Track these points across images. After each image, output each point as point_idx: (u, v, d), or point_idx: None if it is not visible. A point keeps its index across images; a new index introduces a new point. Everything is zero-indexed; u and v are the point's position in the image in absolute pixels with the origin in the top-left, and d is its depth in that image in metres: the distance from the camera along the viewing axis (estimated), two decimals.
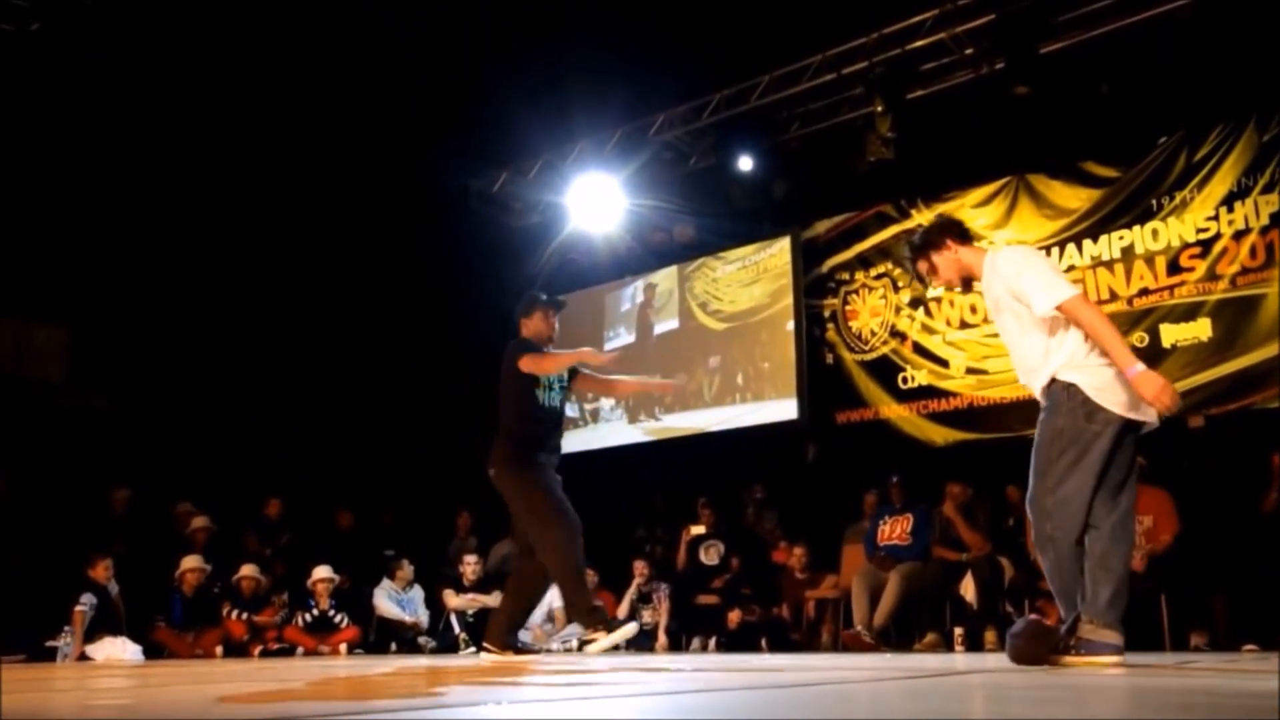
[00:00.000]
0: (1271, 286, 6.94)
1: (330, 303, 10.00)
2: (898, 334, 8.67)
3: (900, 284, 8.73)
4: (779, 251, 9.39)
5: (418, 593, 8.33)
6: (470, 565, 8.29)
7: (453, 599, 8.16)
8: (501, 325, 10.35)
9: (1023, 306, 3.45)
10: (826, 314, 9.14)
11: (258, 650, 7.52)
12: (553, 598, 8.07)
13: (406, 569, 8.32)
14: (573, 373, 5.05)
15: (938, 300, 8.48)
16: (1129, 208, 7.62)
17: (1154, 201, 7.52)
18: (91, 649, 6.87)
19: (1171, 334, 7.29)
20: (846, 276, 9.09)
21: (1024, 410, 7.49)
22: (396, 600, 8.22)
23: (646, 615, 8.29)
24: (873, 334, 8.82)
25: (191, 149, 8.90)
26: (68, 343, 8.79)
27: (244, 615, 7.68)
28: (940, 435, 8.27)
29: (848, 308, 9.03)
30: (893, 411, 8.57)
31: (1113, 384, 3.32)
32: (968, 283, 3.76)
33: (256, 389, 9.67)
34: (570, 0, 7.74)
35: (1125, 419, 3.33)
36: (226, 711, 2.17)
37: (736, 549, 8.30)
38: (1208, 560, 6.09)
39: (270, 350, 9.72)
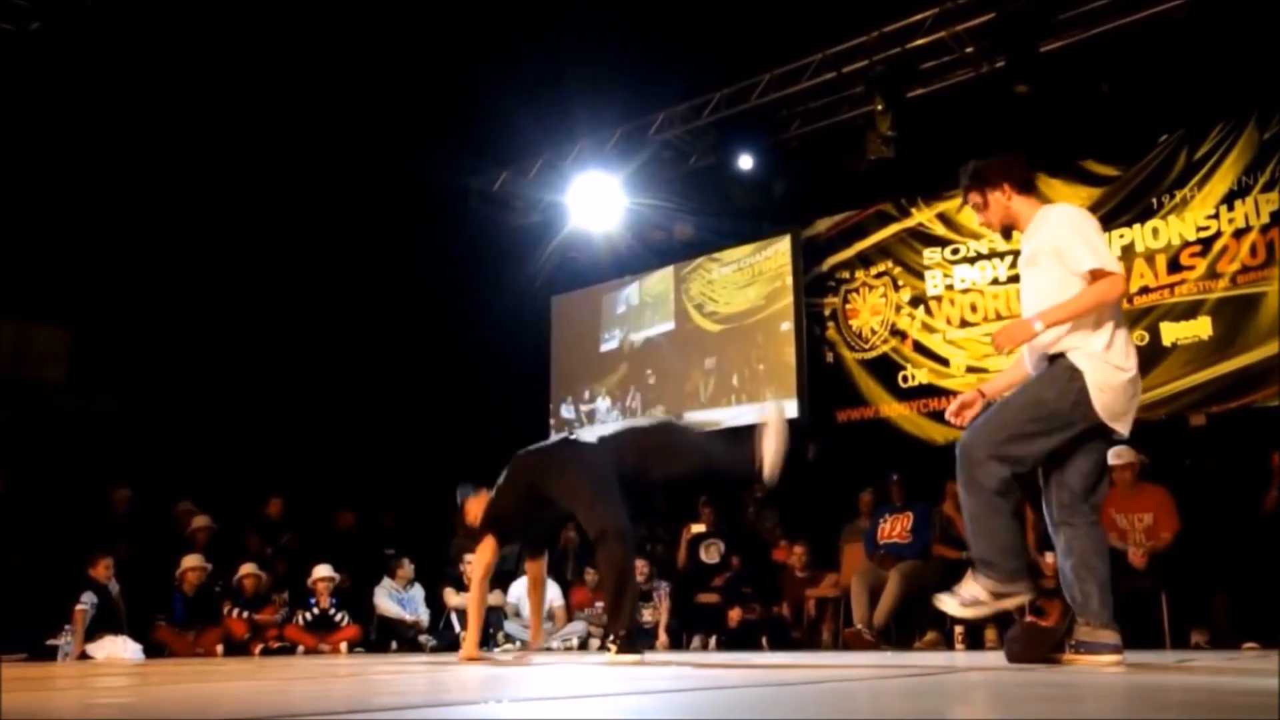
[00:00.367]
0: (1272, 285, 6.94)
1: (331, 303, 10.00)
2: (898, 332, 8.67)
3: (900, 282, 8.73)
4: (774, 254, 9.40)
5: (418, 591, 8.34)
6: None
7: (453, 597, 8.16)
8: (502, 325, 10.43)
9: (1060, 267, 3.33)
10: (827, 312, 9.14)
11: (258, 649, 7.53)
12: (554, 596, 8.10)
13: (407, 568, 8.32)
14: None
15: (938, 299, 8.48)
16: (1129, 206, 7.62)
17: (1154, 200, 7.52)
18: (92, 648, 6.87)
19: (1172, 332, 7.29)
20: (847, 275, 9.09)
21: None
22: (397, 599, 8.22)
23: (647, 614, 8.29)
24: (873, 332, 8.82)
25: (193, 149, 8.90)
26: (69, 344, 8.79)
27: (245, 614, 7.69)
28: (940, 434, 8.26)
29: (848, 306, 9.04)
30: (893, 410, 8.58)
31: (1115, 389, 3.27)
32: (1008, 230, 3.64)
33: (257, 389, 9.67)
34: (570, 1, 7.73)
35: (1102, 424, 3.28)
36: (227, 710, 2.17)
37: (737, 548, 8.31)
38: (1208, 558, 6.08)
39: (271, 350, 9.72)
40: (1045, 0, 7.24)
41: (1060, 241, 3.34)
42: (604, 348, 10.52)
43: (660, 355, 10.10)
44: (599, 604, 8.51)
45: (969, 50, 7.71)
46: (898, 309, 8.72)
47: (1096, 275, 3.25)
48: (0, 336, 8.47)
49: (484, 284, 10.26)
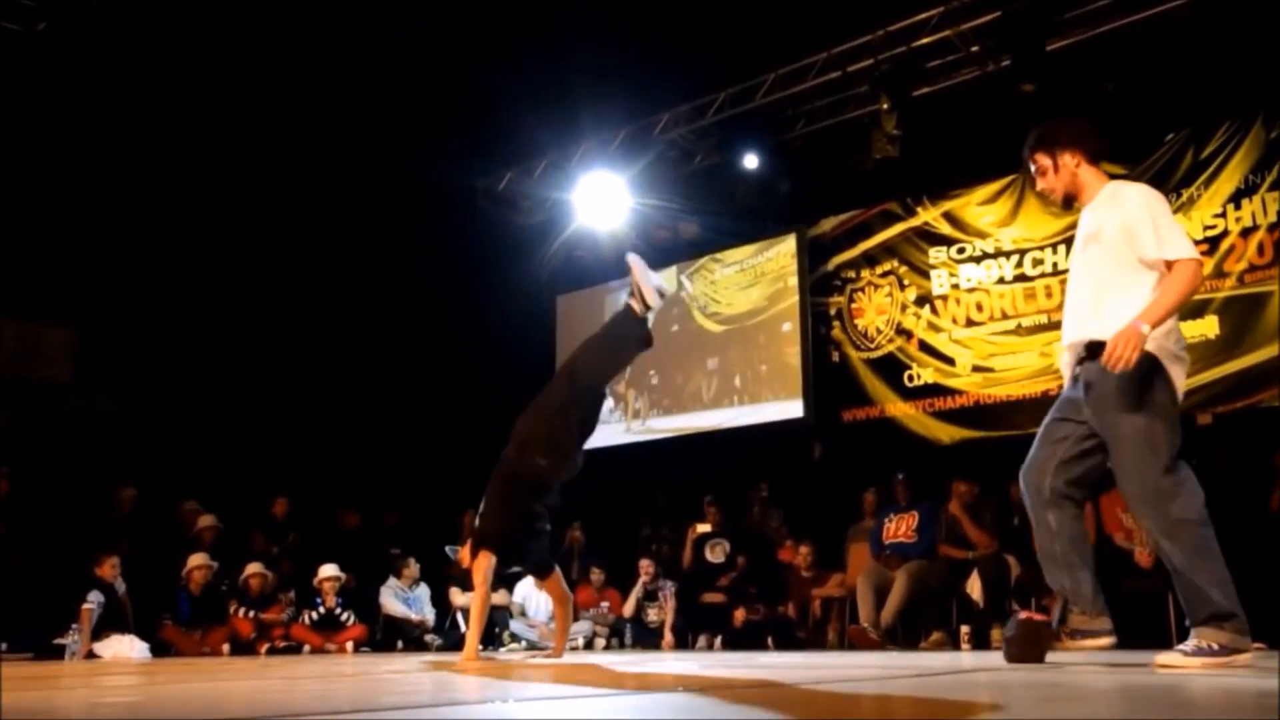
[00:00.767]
0: (1278, 284, 6.91)
1: (336, 303, 10.01)
2: (904, 332, 8.66)
3: (906, 282, 8.72)
4: (776, 255, 9.40)
5: (424, 591, 8.35)
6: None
7: (459, 597, 8.17)
8: (507, 324, 10.43)
9: (1125, 250, 3.19)
10: (832, 312, 9.14)
11: (264, 648, 7.54)
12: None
13: (413, 567, 8.33)
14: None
15: (943, 298, 8.47)
16: None
17: None
18: (99, 647, 6.89)
19: None
20: (852, 274, 9.08)
21: (1030, 408, 7.48)
22: (403, 598, 8.24)
23: (653, 613, 8.31)
24: (878, 332, 8.81)
25: (199, 151, 8.91)
26: (75, 344, 8.82)
27: (251, 613, 7.70)
28: (946, 433, 8.26)
29: (853, 305, 9.03)
30: (899, 409, 8.57)
31: (1181, 375, 3.21)
32: (1069, 200, 3.46)
33: (263, 389, 9.69)
34: (575, 0, 7.73)
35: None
36: (227, 710, 2.17)
37: (742, 547, 8.31)
38: None
39: (276, 350, 9.74)
40: None
41: (1132, 222, 3.19)
42: None
43: (663, 355, 10.10)
44: (604, 604, 8.53)
45: (974, 49, 7.69)
46: (903, 308, 8.70)
47: (1173, 263, 3.10)
48: (6, 337, 8.49)
49: (489, 283, 10.27)
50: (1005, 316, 8.08)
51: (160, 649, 7.20)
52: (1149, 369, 3.14)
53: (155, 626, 7.37)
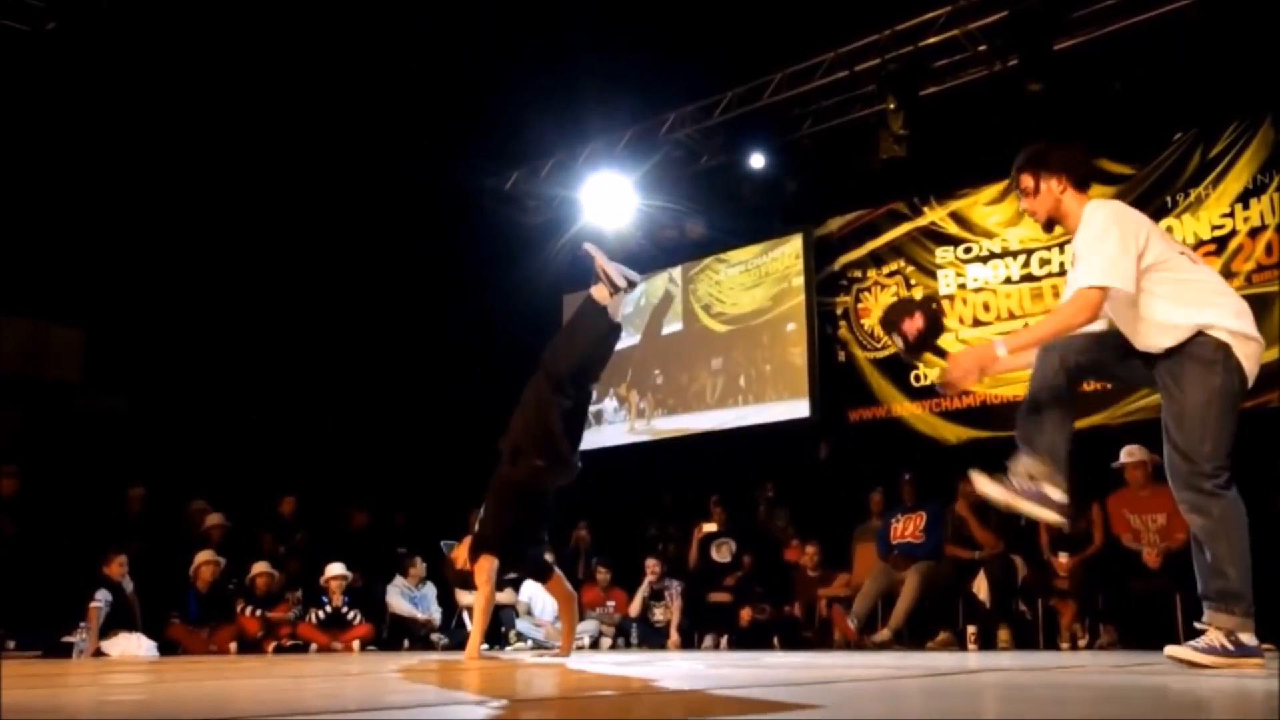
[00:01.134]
0: None
1: (345, 303, 10.03)
2: None
3: (913, 281, 8.71)
4: (781, 255, 9.40)
5: (430, 590, 8.36)
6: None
7: (465, 597, 8.17)
8: (513, 323, 10.43)
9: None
10: (839, 311, 9.13)
11: (271, 647, 7.55)
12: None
13: (419, 566, 8.34)
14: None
15: (950, 298, 8.45)
16: (1143, 205, 7.55)
17: (1168, 198, 7.48)
18: (107, 645, 6.92)
19: None
20: (859, 274, 9.07)
21: None
22: (409, 597, 8.24)
23: (659, 613, 8.31)
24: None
25: (207, 152, 8.93)
26: (84, 344, 8.85)
27: (258, 612, 7.72)
28: (953, 433, 8.25)
29: (860, 305, 9.02)
30: (905, 409, 8.56)
31: (1254, 359, 3.25)
32: (1051, 224, 3.47)
33: (271, 389, 9.71)
34: (581, 1, 7.73)
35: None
36: (234, 709, 2.18)
37: (749, 547, 8.30)
38: None
39: (285, 350, 9.76)
40: None
41: (1079, 246, 3.22)
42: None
43: (668, 356, 10.10)
44: (610, 603, 8.53)
45: (981, 48, 7.68)
46: None
47: (1077, 292, 3.10)
48: (16, 336, 8.53)
49: (496, 282, 10.27)
50: (1012, 316, 8.07)
51: (167, 647, 7.22)
52: (1215, 355, 3.17)
53: (163, 625, 7.40)
